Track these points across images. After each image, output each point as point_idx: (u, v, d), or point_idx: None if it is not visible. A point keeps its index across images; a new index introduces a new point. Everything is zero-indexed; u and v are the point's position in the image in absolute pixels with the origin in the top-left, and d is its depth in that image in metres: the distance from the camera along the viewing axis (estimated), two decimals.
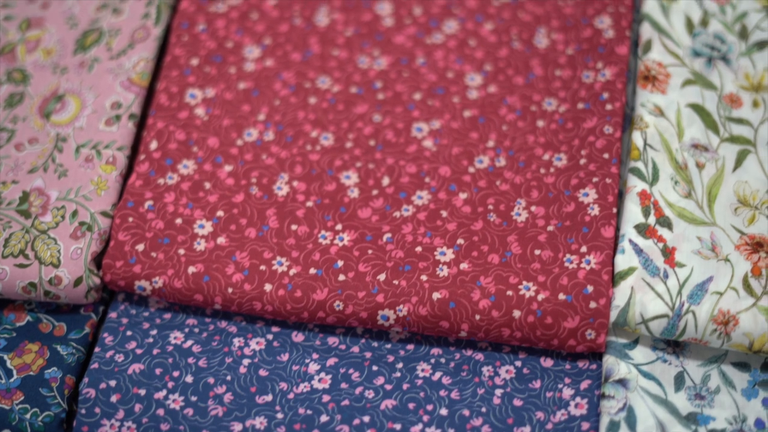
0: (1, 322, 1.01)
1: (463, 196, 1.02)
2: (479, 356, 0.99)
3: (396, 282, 0.98)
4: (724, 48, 1.08)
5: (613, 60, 1.06)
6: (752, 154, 1.04)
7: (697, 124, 1.04)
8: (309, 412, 0.96)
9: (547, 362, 0.98)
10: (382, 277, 0.98)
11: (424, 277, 0.98)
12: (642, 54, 1.07)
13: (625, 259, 0.98)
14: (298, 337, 1.00)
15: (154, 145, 1.04)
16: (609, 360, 0.97)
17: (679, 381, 0.97)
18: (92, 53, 1.08)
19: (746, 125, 1.05)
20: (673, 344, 0.99)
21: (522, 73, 1.07)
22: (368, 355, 0.99)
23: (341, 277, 0.98)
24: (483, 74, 1.07)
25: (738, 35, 1.09)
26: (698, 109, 1.05)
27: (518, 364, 0.98)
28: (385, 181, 1.03)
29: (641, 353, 0.98)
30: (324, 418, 0.96)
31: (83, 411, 0.96)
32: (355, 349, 0.99)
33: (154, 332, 1.00)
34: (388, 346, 1.00)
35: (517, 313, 0.96)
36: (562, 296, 0.96)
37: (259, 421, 0.95)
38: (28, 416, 0.96)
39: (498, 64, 1.08)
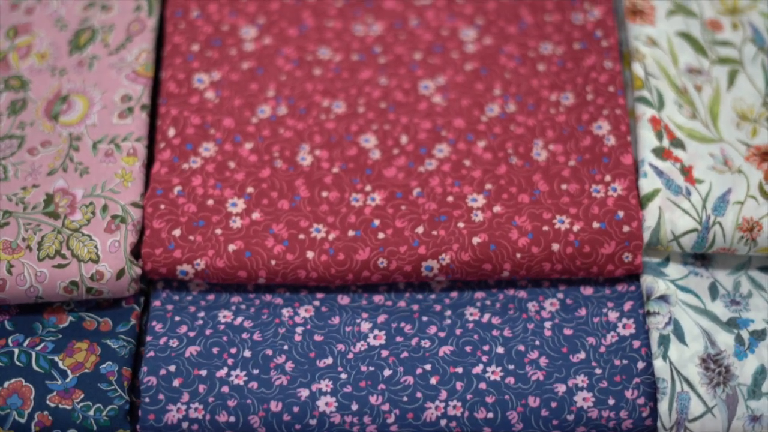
0: (44, 327, 1.00)
1: (481, 144, 1.05)
2: (522, 294, 1.02)
3: (435, 233, 1.00)
4: None
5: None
6: (741, 72, 1.09)
7: (687, 50, 1.09)
8: (372, 368, 0.98)
9: (588, 290, 1.02)
10: (420, 229, 1.01)
11: (461, 224, 1.01)
12: None
13: (648, 182, 1.02)
14: (344, 300, 1.02)
15: (172, 132, 1.05)
16: (647, 279, 1.01)
17: (714, 291, 1.02)
18: (89, 51, 1.08)
19: (731, 47, 1.10)
20: (700, 258, 1.04)
21: (513, 23, 1.11)
22: (415, 307, 1.01)
23: (381, 235, 1.01)
24: (476, 28, 1.11)
25: None
26: (686, 36, 1.10)
27: (560, 296, 1.02)
28: (404, 139, 1.05)
29: (675, 269, 1.02)
30: (387, 372, 0.98)
31: (147, 399, 0.97)
32: (402, 303, 1.02)
33: (202, 314, 1.00)
34: (433, 296, 1.02)
35: (556, 247, 1.00)
36: (596, 224, 1.00)
37: (325, 384, 0.97)
38: (91, 413, 0.96)
39: (488, 16, 1.11)
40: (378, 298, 1.02)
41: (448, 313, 1.01)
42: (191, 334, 0.99)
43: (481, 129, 1.06)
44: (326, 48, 1.10)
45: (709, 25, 1.11)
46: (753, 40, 1.11)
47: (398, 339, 1.00)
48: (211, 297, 1.02)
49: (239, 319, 1.00)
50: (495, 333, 1.00)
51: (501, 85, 1.08)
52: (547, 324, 1.00)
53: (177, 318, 1.00)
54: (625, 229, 1.00)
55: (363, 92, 1.07)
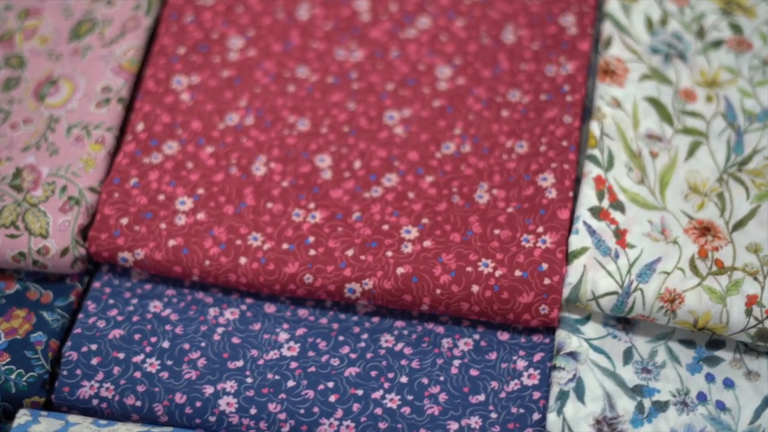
0: None
1: (429, 179, 1.08)
2: (440, 329, 1.05)
3: (363, 257, 1.04)
4: (681, 46, 1.14)
5: (575, 55, 1.13)
6: (704, 145, 1.10)
7: (652, 115, 1.10)
8: (277, 377, 1.02)
9: (504, 336, 1.04)
10: (350, 252, 1.04)
11: (389, 253, 1.04)
12: (602, 50, 1.13)
13: (578, 239, 1.03)
14: (270, 308, 1.06)
15: (140, 126, 1.10)
16: (561, 334, 1.03)
17: (628, 355, 1.03)
18: (86, 41, 1.15)
19: (699, 118, 1.11)
20: (623, 321, 1.05)
21: (489, 67, 1.14)
22: (335, 326, 1.05)
23: (312, 252, 1.05)
24: (452, 67, 1.14)
25: (695, 34, 1.15)
26: (654, 102, 1.11)
27: (476, 337, 1.04)
28: (357, 164, 1.09)
29: (592, 329, 1.04)
30: (291, 383, 1.02)
31: (65, 372, 1.02)
32: (324, 320, 1.05)
33: (134, 301, 1.06)
34: (355, 318, 1.06)
35: (475, 288, 1.02)
36: (518, 273, 1.02)
37: (230, 385, 1.02)
38: (13, 377, 1.02)
39: (467, 58, 1.14)
40: (302, 312, 1.06)
41: (365, 336, 1.04)
42: (119, 318, 1.05)
43: (433, 164, 1.09)
44: (305, 67, 1.14)
45: (682, 94, 1.12)
46: (724, 115, 1.11)
47: (310, 354, 1.03)
48: (148, 287, 1.07)
49: (167, 311, 1.05)
50: (403, 362, 1.03)
51: (462, 125, 1.11)
52: (456, 362, 1.03)
53: (111, 301, 1.06)
54: (546, 281, 1.02)
55: (330, 114, 1.12)
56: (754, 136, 1.11)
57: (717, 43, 1.15)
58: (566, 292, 1.02)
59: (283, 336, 1.04)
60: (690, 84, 1.13)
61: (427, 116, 1.11)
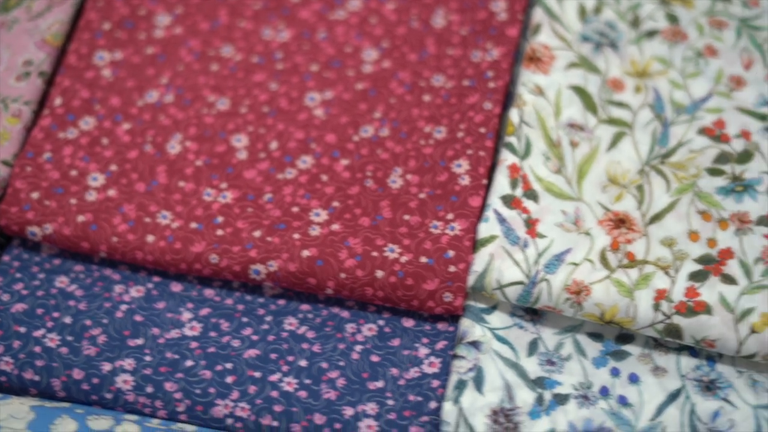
0: None
1: (344, 162, 1.06)
2: (345, 314, 1.03)
3: (269, 239, 1.03)
4: (614, 35, 1.12)
5: (503, 41, 1.11)
6: (628, 136, 1.07)
7: (576, 104, 1.08)
8: (176, 356, 1.01)
9: (409, 322, 1.03)
10: (257, 233, 1.03)
11: (296, 236, 1.03)
12: (530, 37, 1.11)
13: (487, 227, 1.02)
14: (176, 287, 1.05)
15: (58, 101, 1.10)
16: (465, 323, 1.01)
17: (533, 347, 1.01)
18: (13, 14, 1.14)
19: (626, 109, 1.09)
20: (531, 312, 1.03)
21: (416, 50, 1.12)
22: (240, 307, 1.04)
23: (219, 232, 1.03)
24: (379, 50, 1.12)
25: (630, 24, 1.13)
26: (579, 90, 1.09)
27: (381, 323, 1.03)
28: (274, 145, 1.08)
29: (498, 318, 1.02)
30: (189, 363, 1.01)
31: None
32: (229, 301, 1.04)
33: (42, 276, 1.05)
34: (261, 300, 1.04)
35: (380, 273, 1.01)
36: (423, 259, 1.01)
37: (128, 362, 1.01)
38: None
39: (395, 41, 1.12)
40: (209, 292, 1.05)
41: (269, 318, 1.03)
42: (24, 292, 1.04)
43: (350, 148, 1.07)
44: (230, 46, 1.13)
45: (610, 83, 1.10)
46: (652, 106, 1.09)
47: (212, 334, 1.02)
48: (57, 261, 1.07)
49: (72, 287, 1.05)
50: (305, 346, 1.02)
51: (383, 108, 1.09)
52: (358, 347, 1.01)
53: (18, 275, 1.05)
54: (452, 269, 1.00)
55: (251, 94, 1.10)
56: (681, 128, 1.08)
57: (651, 33, 1.12)
58: (471, 280, 1.00)
59: (186, 315, 1.03)
60: (619, 74, 1.10)
61: (348, 99, 1.10)
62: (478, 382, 0.98)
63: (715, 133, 1.08)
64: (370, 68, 1.11)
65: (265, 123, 1.09)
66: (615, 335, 1.02)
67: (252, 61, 1.12)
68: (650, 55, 1.11)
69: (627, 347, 1.01)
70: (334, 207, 1.04)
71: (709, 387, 1.00)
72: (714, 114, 1.09)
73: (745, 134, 1.08)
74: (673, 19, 1.13)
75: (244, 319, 1.03)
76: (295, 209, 1.04)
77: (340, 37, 1.13)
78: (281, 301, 1.04)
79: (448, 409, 0.97)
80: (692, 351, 1.01)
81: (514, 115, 1.06)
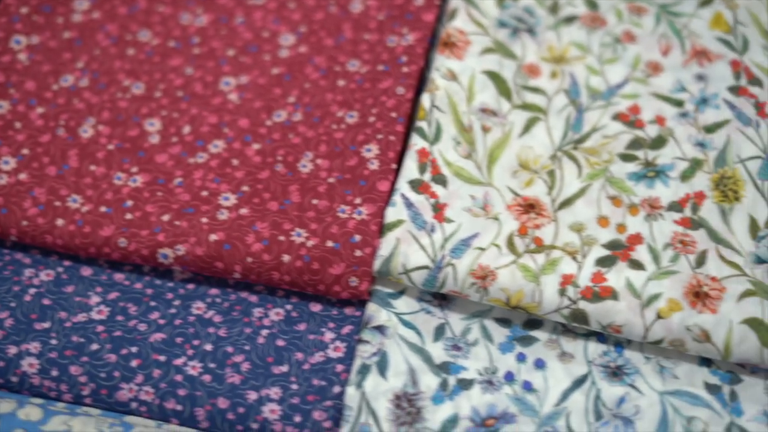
0: None
1: (256, 146, 1.06)
2: (253, 298, 1.03)
3: (178, 223, 1.02)
4: (532, 21, 1.12)
5: (419, 26, 1.10)
6: (542, 121, 1.07)
7: (490, 90, 1.08)
8: (82, 340, 1.01)
9: (316, 307, 1.02)
10: (166, 217, 1.03)
11: (204, 219, 1.02)
12: (446, 22, 1.11)
13: (394, 212, 1.01)
14: (86, 271, 1.05)
15: None
16: (371, 307, 1.01)
17: (439, 332, 1.01)
18: None
19: (541, 94, 1.08)
20: (439, 297, 1.02)
21: (333, 35, 1.11)
22: (149, 291, 1.04)
23: (128, 216, 1.03)
24: (296, 35, 1.12)
25: (548, 9, 1.12)
26: (494, 76, 1.08)
27: (288, 307, 1.02)
28: (186, 129, 1.07)
29: (405, 303, 1.01)
30: (95, 347, 1.00)
31: None
32: (139, 285, 1.04)
33: None
34: (170, 284, 1.04)
35: (286, 258, 1.00)
36: (329, 243, 1.00)
37: (34, 346, 1.00)
38: None
39: (312, 26, 1.12)
40: (119, 276, 1.04)
41: (177, 303, 1.03)
42: None
43: (262, 132, 1.07)
44: (148, 31, 1.13)
45: (525, 69, 1.09)
46: (567, 92, 1.08)
47: (119, 318, 1.02)
48: None
49: None
50: (211, 330, 1.01)
51: (297, 93, 1.09)
52: (264, 332, 1.01)
53: None
54: (358, 253, 1.00)
55: (166, 78, 1.10)
56: (596, 114, 1.08)
57: (570, 19, 1.12)
58: (377, 264, 1.00)
59: (94, 299, 1.03)
60: (536, 59, 1.10)
61: (263, 83, 1.10)
62: (382, 367, 0.98)
63: (630, 118, 1.07)
64: (286, 53, 1.11)
65: (179, 107, 1.09)
66: (523, 321, 1.02)
67: (169, 46, 1.12)
68: (568, 40, 1.11)
69: (534, 333, 1.01)
70: (243, 191, 1.04)
71: (616, 373, 0.99)
72: (629, 100, 1.08)
73: (659, 120, 1.07)
74: (592, 5, 1.13)
75: (152, 303, 1.03)
76: (204, 193, 1.04)
77: (257, 21, 1.13)
78: (190, 286, 1.04)
79: (351, 394, 0.97)
80: (600, 337, 1.01)
81: (425, 99, 1.06)
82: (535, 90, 1.08)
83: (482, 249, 1.00)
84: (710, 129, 1.06)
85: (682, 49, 1.11)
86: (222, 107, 1.08)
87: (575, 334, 1.01)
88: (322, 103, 1.08)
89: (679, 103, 1.08)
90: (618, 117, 1.07)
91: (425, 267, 0.99)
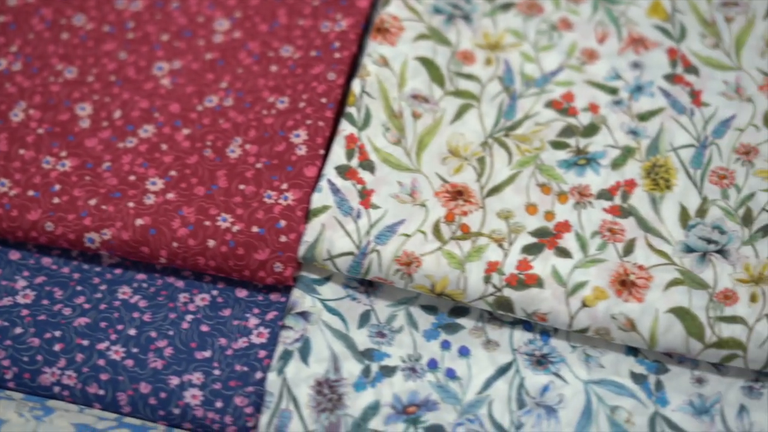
0: None
1: (186, 131, 1.06)
2: (180, 284, 1.03)
3: (105, 207, 1.02)
4: (468, 7, 1.11)
5: (353, 12, 1.10)
6: (474, 108, 1.06)
7: (422, 76, 1.07)
8: (6, 324, 1.00)
9: (242, 293, 1.02)
10: (93, 202, 1.02)
11: (131, 204, 1.02)
12: (380, 8, 1.10)
13: (320, 198, 1.01)
14: (14, 255, 1.04)
15: None
16: (295, 293, 1.00)
17: (364, 318, 1.00)
18: None
19: (475, 81, 1.08)
20: (366, 284, 1.02)
21: (268, 21, 1.11)
22: (76, 276, 1.03)
23: (55, 200, 1.03)
24: (231, 20, 1.11)
25: None
26: (427, 62, 1.08)
27: (215, 293, 1.02)
28: (117, 114, 1.07)
29: (331, 290, 1.01)
30: (18, 330, 1.00)
31: None
32: (66, 270, 1.03)
33: None
34: (98, 269, 1.04)
35: (211, 243, 1.00)
36: (255, 229, 1.00)
37: None
38: None
39: (247, 11, 1.12)
40: (46, 261, 1.04)
41: (104, 287, 1.02)
42: None
43: (192, 117, 1.06)
44: (82, 15, 1.12)
45: (460, 56, 1.09)
46: (501, 79, 1.08)
47: (44, 302, 1.01)
48: None
49: None
50: (135, 315, 1.01)
51: (230, 78, 1.08)
52: (189, 317, 1.01)
53: None
54: (283, 239, 0.99)
55: (99, 63, 1.10)
56: (529, 101, 1.07)
57: (506, 6, 1.11)
58: (302, 250, 0.99)
59: (21, 283, 1.03)
60: (470, 46, 1.09)
61: (196, 68, 1.09)
62: (304, 353, 0.98)
63: (563, 106, 1.07)
64: (220, 38, 1.11)
65: (111, 92, 1.08)
66: (449, 308, 1.01)
67: (103, 30, 1.11)
68: (504, 27, 1.10)
69: (460, 320, 1.00)
70: (170, 176, 1.03)
71: (541, 361, 0.99)
72: (563, 87, 1.08)
73: (593, 107, 1.07)
74: None
75: (79, 288, 1.02)
76: (132, 178, 1.03)
77: (192, 7, 1.12)
78: (118, 271, 1.04)
79: (272, 380, 0.96)
80: (527, 325, 1.00)
81: (356, 85, 1.05)
82: (469, 77, 1.08)
83: (408, 235, 0.99)
84: (644, 117, 1.06)
85: (619, 37, 1.10)
86: (154, 92, 1.08)
87: (501, 322, 1.00)
88: (254, 89, 1.07)
89: (613, 91, 1.07)
90: (551, 104, 1.07)
91: (350, 253, 0.99)
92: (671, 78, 1.08)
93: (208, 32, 1.11)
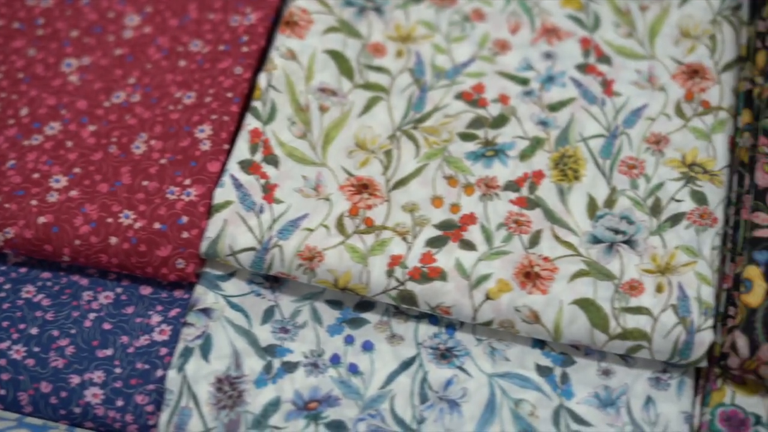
0: None
1: (91, 128, 1.05)
2: (84, 282, 1.02)
3: (7, 205, 1.01)
4: (380, 0, 1.10)
5: (262, 6, 1.09)
6: (383, 101, 1.05)
7: (331, 69, 1.06)
8: None
9: (146, 290, 1.01)
10: None
11: (34, 202, 1.01)
12: (290, 1, 1.09)
13: (223, 193, 1.00)
14: None
15: None
16: (198, 290, 0.99)
17: (269, 314, 0.99)
18: None
19: (385, 73, 1.07)
20: (271, 279, 1.01)
21: (178, 15, 1.10)
22: None
23: None
24: (142, 15, 1.10)
25: None
26: (336, 55, 1.07)
27: (119, 290, 1.01)
28: (24, 111, 1.06)
29: (234, 286, 1.00)
30: None
31: None
32: None
33: None
34: (3, 268, 1.03)
35: (113, 240, 0.99)
36: (157, 225, 0.99)
37: None
38: None
39: (158, 6, 1.11)
40: None
41: (8, 286, 1.02)
42: None
43: (99, 114, 1.06)
44: None
45: (370, 48, 1.08)
46: (412, 71, 1.07)
47: None
48: None
49: None
50: (38, 314, 1.00)
51: (138, 74, 1.07)
52: (92, 315, 1.00)
53: None
54: (185, 235, 0.99)
55: (8, 60, 1.09)
56: (439, 93, 1.06)
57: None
58: (204, 246, 0.99)
59: None
60: (382, 38, 1.08)
61: (106, 65, 1.08)
62: (205, 350, 0.97)
63: (473, 97, 1.06)
64: (130, 34, 1.10)
65: (19, 89, 1.07)
66: (355, 303, 1.00)
67: (13, 27, 1.11)
68: (416, 19, 1.09)
69: (365, 315, 1.00)
70: (74, 173, 1.02)
71: (445, 355, 0.98)
72: (474, 78, 1.07)
73: (503, 98, 1.05)
74: None
75: None
76: (35, 176, 1.03)
77: (103, 2, 1.12)
78: (23, 269, 1.03)
79: (172, 377, 0.95)
80: (432, 319, 0.99)
81: (261, 79, 1.04)
82: (379, 69, 1.07)
83: (310, 230, 0.98)
84: (554, 107, 1.05)
85: (532, 27, 1.09)
86: (62, 89, 1.07)
87: (407, 316, 0.99)
88: (161, 84, 1.06)
89: (524, 82, 1.06)
90: (461, 96, 1.06)
91: (252, 248, 0.98)
92: (583, 68, 1.07)
93: (119, 28, 1.10)
